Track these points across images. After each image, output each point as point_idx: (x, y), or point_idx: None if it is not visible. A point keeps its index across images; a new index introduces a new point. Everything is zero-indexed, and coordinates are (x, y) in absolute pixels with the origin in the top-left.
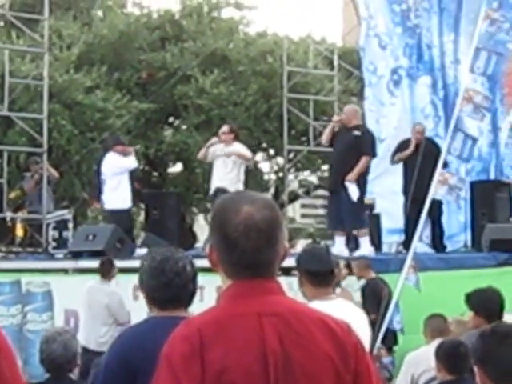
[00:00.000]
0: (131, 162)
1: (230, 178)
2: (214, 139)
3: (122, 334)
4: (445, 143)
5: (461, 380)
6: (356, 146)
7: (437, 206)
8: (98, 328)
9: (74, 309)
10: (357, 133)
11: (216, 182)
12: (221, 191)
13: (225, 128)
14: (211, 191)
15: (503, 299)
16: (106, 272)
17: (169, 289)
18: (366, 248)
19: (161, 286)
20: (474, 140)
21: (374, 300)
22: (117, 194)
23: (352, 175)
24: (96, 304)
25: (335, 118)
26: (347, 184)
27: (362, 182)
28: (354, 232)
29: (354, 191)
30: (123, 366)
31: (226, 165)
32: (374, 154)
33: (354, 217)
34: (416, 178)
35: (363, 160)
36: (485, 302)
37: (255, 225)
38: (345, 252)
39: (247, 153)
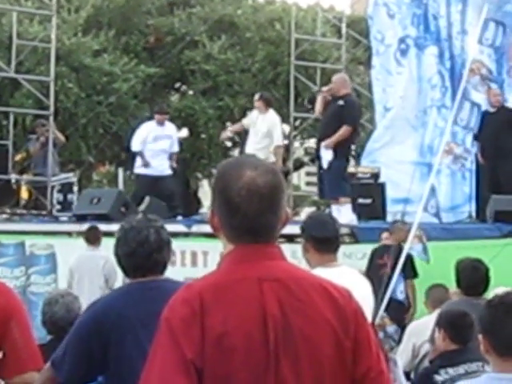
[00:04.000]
0: (140, 130)
1: (262, 146)
2: (239, 125)
3: (96, 300)
4: (451, 114)
5: (464, 349)
6: (339, 115)
7: None
8: (96, 292)
9: None
10: (341, 102)
11: (248, 150)
12: None
13: (256, 96)
14: None
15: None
16: (95, 238)
17: (132, 258)
18: (346, 216)
19: (124, 256)
20: (480, 107)
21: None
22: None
23: (329, 141)
24: (92, 269)
25: (324, 88)
26: (322, 149)
27: (344, 151)
28: (334, 200)
29: (326, 158)
30: (93, 330)
31: (257, 134)
32: (355, 124)
33: (333, 185)
34: None
35: (343, 129)
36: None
37: (257, 189)
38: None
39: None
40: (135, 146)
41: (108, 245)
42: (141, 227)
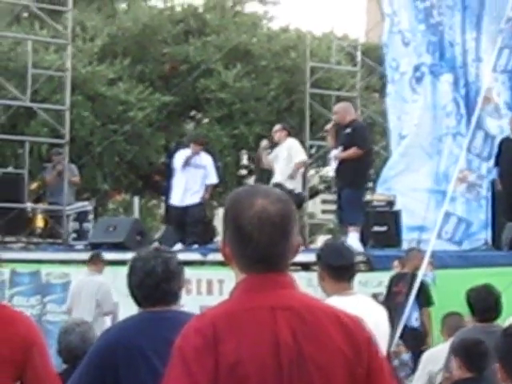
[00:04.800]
0: (177, 158)
1: (287, 172)
2: (264, 143)
3: (109, 328)
4: (465, 142)
5: (480, 377)
6: (348, 142)
7: None
8: (85, 317)
9: None
10: (348, 130)
11: (276, 177)
12: (276, 186)
13: (276, 127)
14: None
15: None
16: (94, 264)
17: (141, 288)
18: (352, 244)
19: (134, 286)
20: (494, 138)
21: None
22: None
23: (338, 154)
24: (87, 294)
25: (328, 126)
26: (331, 157)
27: (362, 180)
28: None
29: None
30: (106, 358)
31: (280, 162)
32: (366, 146)
33: (348, 212)
34: None
35: (352, 149)
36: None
37: (269, 218)
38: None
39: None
40: (177, 163)
41: (123, 273)
42: (148, 258)
